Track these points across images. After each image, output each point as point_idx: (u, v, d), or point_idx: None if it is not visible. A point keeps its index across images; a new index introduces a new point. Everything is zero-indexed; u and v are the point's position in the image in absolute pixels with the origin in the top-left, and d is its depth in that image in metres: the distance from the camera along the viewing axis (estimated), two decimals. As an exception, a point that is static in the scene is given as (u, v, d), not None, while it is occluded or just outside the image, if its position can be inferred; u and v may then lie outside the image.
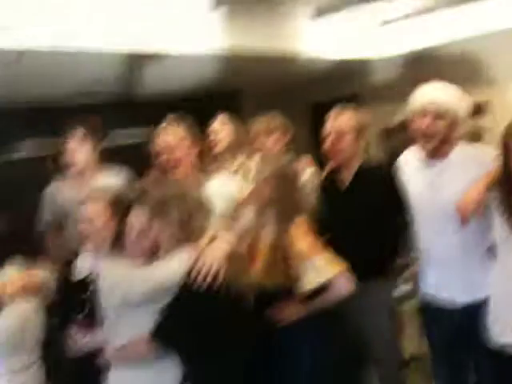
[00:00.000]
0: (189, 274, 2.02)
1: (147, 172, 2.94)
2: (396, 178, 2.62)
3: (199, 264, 2.01)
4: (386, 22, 5.85)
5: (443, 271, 2.48)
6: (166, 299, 2.05)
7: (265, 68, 5.51)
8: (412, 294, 3.28)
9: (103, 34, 3.51)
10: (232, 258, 2.11)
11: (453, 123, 2.39)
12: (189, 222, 2.10)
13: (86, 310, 2.30)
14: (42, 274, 2.52)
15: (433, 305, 2.57)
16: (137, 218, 2.19)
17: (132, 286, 2.07)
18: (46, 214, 3.44)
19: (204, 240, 2.12)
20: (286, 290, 2.34)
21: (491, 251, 2.35)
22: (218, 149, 3.43)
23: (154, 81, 5.04)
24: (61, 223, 3.36)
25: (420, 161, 2.52)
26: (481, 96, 5.75)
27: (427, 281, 2.60)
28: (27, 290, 2.23)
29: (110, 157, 3.39)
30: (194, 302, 2.02)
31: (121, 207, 2.38)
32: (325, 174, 2.93)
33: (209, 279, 1.99)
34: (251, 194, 2.46)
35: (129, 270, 2.15)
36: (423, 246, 2.56)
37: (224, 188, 2.59)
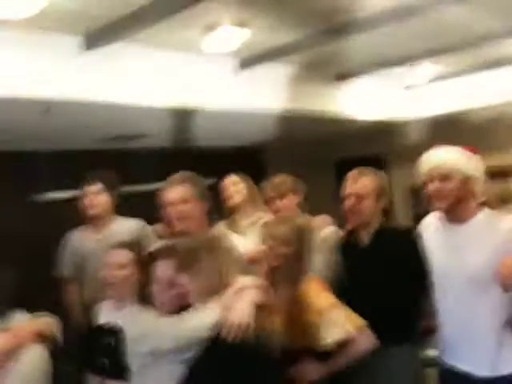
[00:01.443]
0: (219, 326, 1.99)
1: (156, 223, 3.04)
2: (417, 241, 2.59)
3: (230, 317, 1.99)
4: (410, 87, 5.98)
5: (462, 342, 2.41)
6: (193, 351, 2.04)
7: (293, 126, 5.65)
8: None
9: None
10: (259, 309, 2.08)
11: (462, 183, 2.38)
12: (218, 273, 2.10)
13: (107, 359, 2.29)
14: (49, 321, 2.56)
15: (451, 374, 2.47)
16: (164, 269, 2.21)
17: (162, 336, 2.08)
18: (66, 260, 3.55)
19: (232, 290, 2.09)
20: (305, 350, 2.30)
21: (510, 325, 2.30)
22: (231, 203, 3.53)
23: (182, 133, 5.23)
24: (79, 269, 3.46)
25: (441, 225, 2.51)
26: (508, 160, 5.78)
27: (446, 349, 2.52)
28: (35, 338, 2.24)
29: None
30: (226, 356, 2.00)
31: (144, 257, 2.43)
32: (344, 234, 2.94)
33: (240, 332, 1.97)
34: (265, 253, 2.48)
35: (158, 320, 2.15)
36: (443, 314, 2.49)
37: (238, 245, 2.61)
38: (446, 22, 3.81)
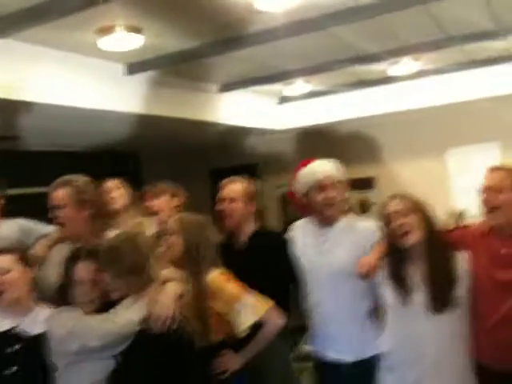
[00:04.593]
0: (146, 320, 2.06)
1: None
2: (287, 244, 2.83)
3: (155, 310, 2.07)
4: (284, 100, 6.36)
5: (329, 332, 2.66)
6: (121, 347, 2.07)
7: (171, 133, 5.73)
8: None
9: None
10: (181, 299, 2.18)
11: (342, 190, 2.72)
12: (143, 269, 2.14)
13: (14, 367, 2.19)
14: None
15: (323, 364, 2.74)
16: (85, 269, 2.21)
17: (90, 334, 2.08)
18: None
19: (156, 284, 2.16)
20: (222, 341, 2.40)
21: (372, 314, 2.60)
22: (116, 206, 3.55)
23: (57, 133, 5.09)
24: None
25: (311, 229, 2.78)
26: (369, 172, 6.36)
27: (315, 341, 2.79)
28: None
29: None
30: (153, 347, 2.05)
31: (30, 259, 2.39)
32: (223, 236, 3.07)
33: (165, 324, 2.05)
34: (166, 250, 2.49)
35: (85, 318, 2.15)
36: (312, 307, 2.75)
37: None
38: (329, 41, 4.14)
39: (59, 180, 2.61)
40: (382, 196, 6.23)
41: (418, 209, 2.33)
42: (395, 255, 2.36)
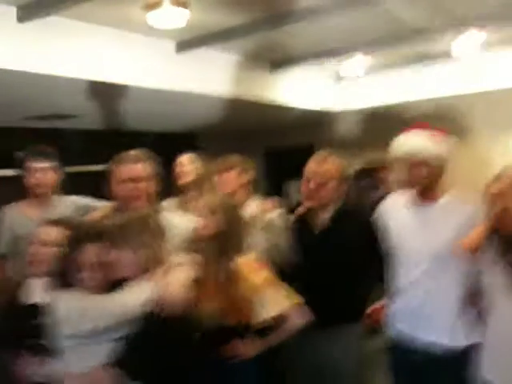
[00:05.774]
0: (152, 302, 2.03)
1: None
2: (374, 222, 2.67)
3: (162, 292, 2.04)
4: (343, 78, 6.15)
5: (422, 315, 2.50)
6: (126, 329, 2.06)
7: (227, 112, 5.67)
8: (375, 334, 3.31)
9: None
10: (191, 285, 2.13)
11: (436, 168, 2.47)
12: (150, 250, 2.12)
13: (36, 339, 2.21)
14: None
15: (400, 346, 2.58)
16: (92, 254, 2.17)
17: (101, 314, 2.06)
18: (3, 236, 3.39)
19: (165, 267, 2.13)
20: (241, 326, 2.36)
21: (466, 300, 2.44)
22: (184, 181, 3.54)
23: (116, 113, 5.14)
24: (17, 246, 3.32)
25: (410, 203, 2.58)
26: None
27: (398, 323, 2.61)
28: None
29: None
30: (158, 330, 2.03)
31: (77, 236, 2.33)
32: (298, 215, 2.92)
33: (172, 307, 2.02)
34: (199, 228, 2.45)
35: (95, 298, 2.13)
36: (402, 288, 2.58)
37: (181, 222, 2.62)
38: (385, 15, 3.91)
39: (136, 153, 2.63)
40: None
41: None
42: (501, 238, 2.17)
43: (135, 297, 2.06)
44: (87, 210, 3.12)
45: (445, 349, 2.45)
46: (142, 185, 2.55)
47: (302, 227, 2.74)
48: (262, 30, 4.08)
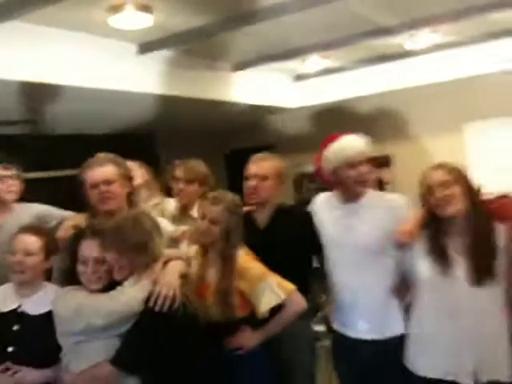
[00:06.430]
0: (148, 299, 2.06)
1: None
2: (311, 219, 2.78)
3: (157, 288, 2.07)
4: (300, 78, 6.27)
5: (352, 309, 2.62)
6: (125, 326, 2.08)
7: (185, 113, 5.68)
8: (324, 334, 3.42)
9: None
10: (184, 279, 2.18)
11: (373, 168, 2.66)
12: (146, 247, 2.14)
13: (12, 347, 2.23)
14: None
15: (343, 343, 2.71)
16: (90, 248, 2.20)
17: (95, 313, 2.08)
18: None
19: (159, 264, 2.17)
20: (242, 319, 2.40)
21: (397, 292, 2.56)
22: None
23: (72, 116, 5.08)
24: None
25: (335, 204, 2.72)
26: (385, 149, 6.25)
27: (338, 318, 2.73)
28: None
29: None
30: (156, 325, 2.05)
31: (53, 248, 2.40)
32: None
33: (168, 303, 2.04)
34: (199, 231, 2.49)
35: (90, 297, 2.15)
36: (335, 284, 2.71)
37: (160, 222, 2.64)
38: (343, 14, 4.02)
39: (102, 157, 2.62)
40: (399, 174, 6.16)
41: (461, 179, 2.27)
42: (434, 227, 2.30)
43: (133, 294, 2.09)
44: (49, 218, 3.10)
45: (381, 340, 2.56)
46: (114, 186, 2.54)
47: (247, 226, 2.84)
48: (223, 31, 4.12)
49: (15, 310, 2.31)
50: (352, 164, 2.57)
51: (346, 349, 2.69)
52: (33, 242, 2.37)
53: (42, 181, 5.11)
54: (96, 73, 4.10)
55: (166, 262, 2.20)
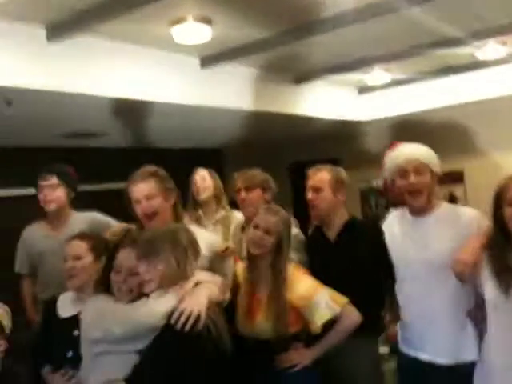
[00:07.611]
0: (171, 315, 1.99)
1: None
2: (382, 235, 2.67)
3: (182, 305, 1.99)
4: (365, 90, 6.15)
5: (424, 331, 2.47)
6: (145, 341, 2.03)
7: (251, 127, 5.70)
8: (388, 356, 3.27)
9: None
10: (214, 305, 2.10)
11: (433, 177, 2.48)
12: (178, 263, 2.08)
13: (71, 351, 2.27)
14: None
15: (411, 365, 2.54)
16: (125, 257, 2.20)
17: (114, 320, 2.07)
18: (22, 256, 3.47)
19: (190, 283, 2.10)
20: (295, 336, 2.37)
21: (470, 314, 2.38)
22: (202, 196, 3.56)
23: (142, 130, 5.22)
24: (35, 265, 3.39)
25: (404, 218, 2.60)
26: (457, 165, 6.00)
27: (407, 340, 2.58)
28: None
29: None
30: (175, 344, 1.97)
31: (103, 248, 2.42)
32: (312, 228, 2.96)
33: (191, 321, 1.94)
34: (251, 241, 2.46)
35: (115, 305, 2.15)
36: (406, 303, 2.57)
37: (208, 237, 2.62)
38: (407, 25, 3.90)
39: (141, 172, 2.58)
40: (472, 190, 5.89)
41: None
42: (501, 245, 2.11)
43: (156, 307, 2.05)
44: (104, 226, 3.12)
45: (453, 365, 2.40)
46: (155, 201, 2.51)
47: (317, 240, 2.75)
48: (285, 43, 4.10)
49: (76, 315, 2.34)
50: (403, 173, 2.46)
51: (414, 372, 2.53)
52: (79, 245, 2.43)
53: (100, 194, 5.29)
54: (161, 88, 4.18)
55: (197, 283, 2.13)
